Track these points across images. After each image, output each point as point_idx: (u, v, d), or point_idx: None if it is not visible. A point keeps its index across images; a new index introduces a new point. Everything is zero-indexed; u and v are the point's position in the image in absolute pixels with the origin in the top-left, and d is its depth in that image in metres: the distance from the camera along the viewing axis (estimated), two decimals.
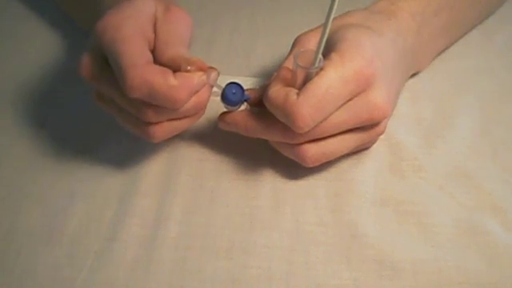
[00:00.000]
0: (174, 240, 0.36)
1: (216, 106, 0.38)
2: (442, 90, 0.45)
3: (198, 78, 0.33)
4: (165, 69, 0.33)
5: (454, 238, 0.35)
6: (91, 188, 0.39)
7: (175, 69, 0.33)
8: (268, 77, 0.41)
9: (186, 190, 0.39)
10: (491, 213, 0.36)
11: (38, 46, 0.52)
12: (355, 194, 0.38)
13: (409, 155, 0.40)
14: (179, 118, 0.35)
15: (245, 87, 0.36)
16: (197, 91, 0.34)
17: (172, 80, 0.32)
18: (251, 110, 0.37)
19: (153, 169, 0.40)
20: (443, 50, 0.47)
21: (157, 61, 0.34)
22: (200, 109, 0.36)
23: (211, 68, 0.35)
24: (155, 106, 0.33)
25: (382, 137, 0.38)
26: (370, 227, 0.36)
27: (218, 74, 0.35)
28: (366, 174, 0.39)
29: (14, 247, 0.36)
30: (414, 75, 0.45)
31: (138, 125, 0.35)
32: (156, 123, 0.35)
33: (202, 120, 0.43)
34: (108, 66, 0.34)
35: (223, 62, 0.50)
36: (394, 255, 0.34)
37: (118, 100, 0.35)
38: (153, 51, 0.35)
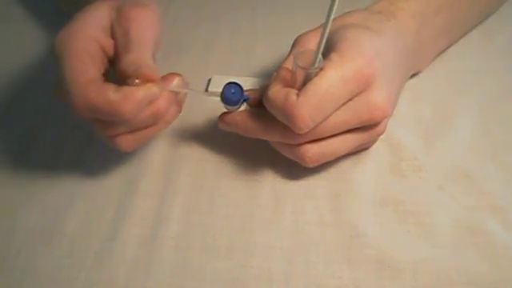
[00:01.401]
0: (174, 240, 0.36)
1: (216, 107, 0.38)
2: (442, 90, 0.45)
3: (144, 91, 0.32)
4: (105, 85, 0.32)
5: (454, 238, 0.35)
6: (91, 188, 0.39)
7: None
8: (268, 77, 0.41)
9: (186, 190, 0.39)
10: (491, 213, 0.36)
11: (37, 47, 0.52)
12: (355, 194, 0.38)
13: (409, 155, 0.40)
14: (142, 128, 0.35)
15: (245, 87, 0.36)
16: (150, 101, 0.33)
17: (111, 95, 0.32)
18: (251, 111, 0.37)
19: (153, 169, 0.40)
20: (443, 51, 0.47)
21: (117, 68, 0.34)
22: (160, 117, 0.35)
23: (173, 75, 0.35)
24: (107, 120, 0.33)
25: (381, 137, 0.38)
26: (370, 227, 0.36)
27: (182, 79, 0.35)
28: (366, 174, 0.39)
29: (14, 247, 0.36)
30: (414, 75, 0.45)
31: (104, 136, 0.35)
32: (119, 135, 0.35)
33: (202, 120, 0.44)
34: None
35: (223, 62, 0.50)
36: (394, 255, 0.34)
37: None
38: (116, 56, 0.34)
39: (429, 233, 0.35)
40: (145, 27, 0.35)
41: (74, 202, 0.38)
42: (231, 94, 0.35)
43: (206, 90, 0.47)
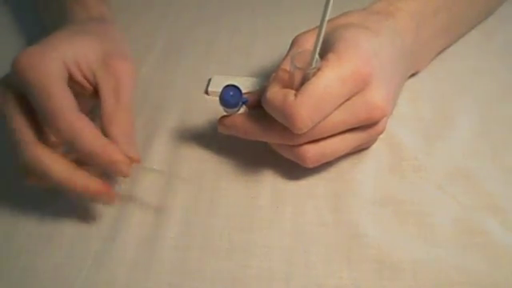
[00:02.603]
0: (174, 240, 0.36)
1: (216, 107, 0.38)
2: (441, 90, 0.45)
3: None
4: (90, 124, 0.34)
5: (454, 238, 0.35)
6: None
7: None
8: (267, 77, 0.41)
9: (186, 190, 0.39)
10: (491, 213, 0.36)
11: None
12: (355, 193, 0.38)
13: (409, 155, 0.40)
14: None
15: (244, 87, 0.36)
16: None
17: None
18: (250, 113, 0.37)
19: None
20: (442, 50, 0.47)
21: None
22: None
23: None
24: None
25: (381, 137, 0.38)
26: (370, 227, 0.36)
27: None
28: (365, 173, 0.39)
29: (14, 247, 0.36)
30: (413, 75, 0.45)
31: None
32: None
33: (202, 120, 0.44)
34: (22, 101, 0.34)
35: (223, 62, 0.50)
36: (394, 255, 0.34)
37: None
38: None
39: (429, 233, 0.35)
40: (126, 78, 0.36)
41: (74, 202, 0.39)
42: (230, 97, 0.35)
43: (206, 90, 0.47)
